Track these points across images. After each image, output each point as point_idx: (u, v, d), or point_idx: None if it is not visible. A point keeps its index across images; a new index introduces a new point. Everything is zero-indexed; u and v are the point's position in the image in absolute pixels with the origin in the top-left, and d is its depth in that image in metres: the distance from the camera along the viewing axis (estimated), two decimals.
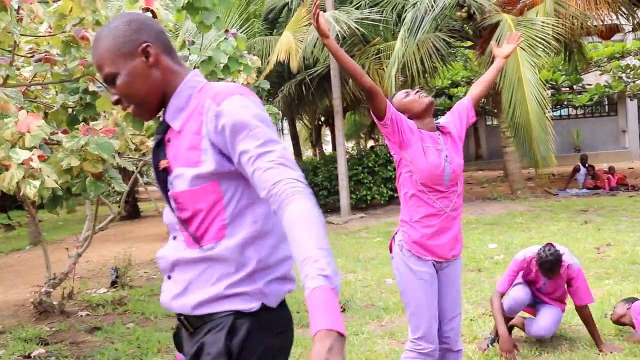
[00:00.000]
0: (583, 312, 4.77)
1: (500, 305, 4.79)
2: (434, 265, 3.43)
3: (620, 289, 6.22)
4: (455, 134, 3.53)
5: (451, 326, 3.56)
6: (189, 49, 5.79)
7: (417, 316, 3.44)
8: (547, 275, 4.67)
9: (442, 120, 3.57)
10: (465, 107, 3.66)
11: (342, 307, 6.34)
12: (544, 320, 4.80)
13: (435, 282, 3.47)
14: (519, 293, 4.87)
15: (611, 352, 4.56)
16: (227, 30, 5.38)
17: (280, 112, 10.90)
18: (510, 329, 4.95)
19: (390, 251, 3.59)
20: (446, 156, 3.38)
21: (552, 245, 4.69)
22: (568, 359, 4.55)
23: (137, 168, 7.94)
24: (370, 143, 19.57)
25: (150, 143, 6.87)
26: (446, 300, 3.55)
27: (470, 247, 8.79)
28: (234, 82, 5.89)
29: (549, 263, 4.58)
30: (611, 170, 15.74)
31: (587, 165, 16.26)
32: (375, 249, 9.51)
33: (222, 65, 5.37)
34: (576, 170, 16.41)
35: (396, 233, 3.55)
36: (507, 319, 4.91)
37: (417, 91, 3.50)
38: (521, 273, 4.93)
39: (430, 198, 3.37)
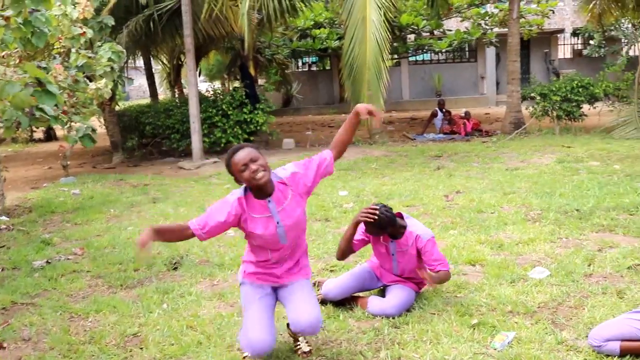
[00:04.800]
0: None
1: None
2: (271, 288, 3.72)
3: (463, 240, 6.06)
4: (300, 189, 3.55)
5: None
6: None
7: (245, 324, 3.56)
8: (373, 232, 4.32)
9: (288, 170, 3.56)
10: (326, 162, 3.62)
11: (174, 264, 5.79)
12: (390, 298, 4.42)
13: (270, 297, 3.68)
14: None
15: None
16: None
17: (124, 50, 9.95)
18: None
19: None
20: (278, 222, 3.48)
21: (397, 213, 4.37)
22: None
23: None
24: (236, 84, 18.76)
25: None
26: (295, 299, 3.63)
27: (321, 195, 8.44)
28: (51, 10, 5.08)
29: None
30: (467, 116, 15.91)
31: (444, 110, 16.39)
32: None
33: None
34: (434, 115, 16.53)
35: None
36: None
37: (253, 170, 3.43)
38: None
39: (267, 250, 3.60)
